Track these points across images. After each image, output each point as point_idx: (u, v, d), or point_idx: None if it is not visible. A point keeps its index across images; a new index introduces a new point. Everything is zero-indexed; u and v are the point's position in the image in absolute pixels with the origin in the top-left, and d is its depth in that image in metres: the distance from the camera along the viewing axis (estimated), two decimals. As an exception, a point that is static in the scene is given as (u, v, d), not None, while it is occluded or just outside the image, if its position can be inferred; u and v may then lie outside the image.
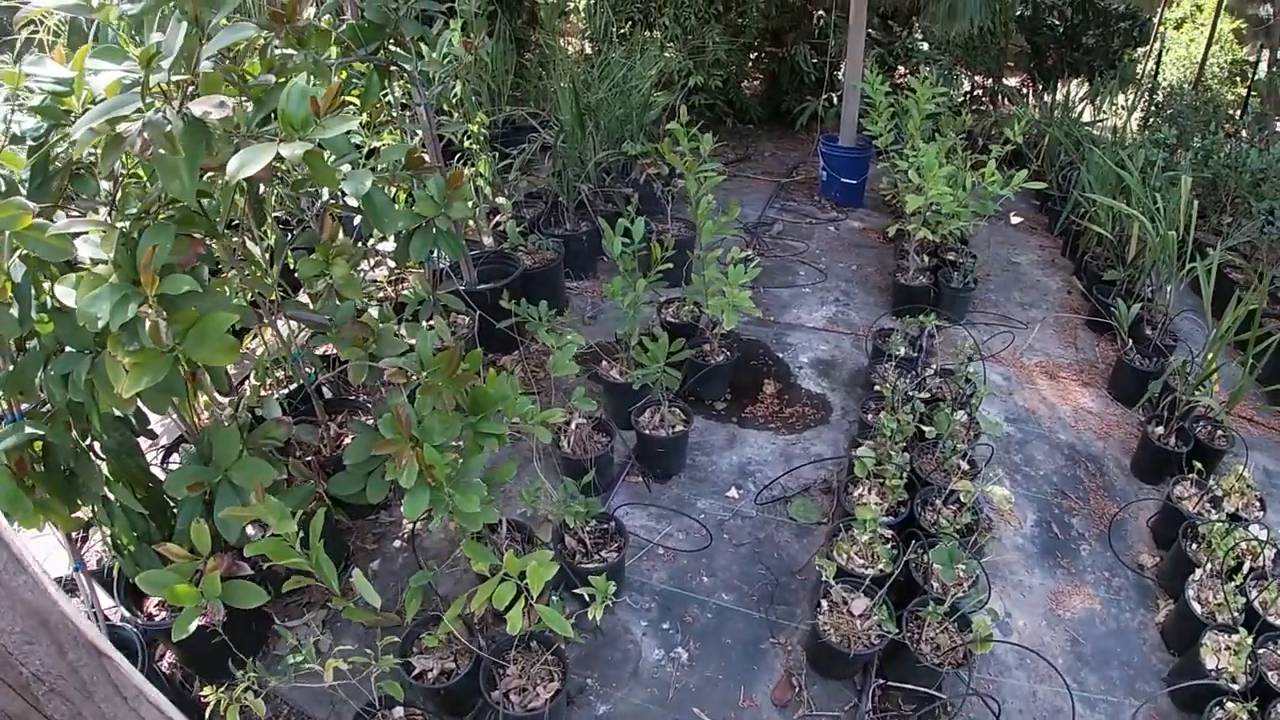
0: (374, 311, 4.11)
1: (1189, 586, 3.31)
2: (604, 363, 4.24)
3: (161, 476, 2.99)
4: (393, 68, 3.47)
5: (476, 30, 6.53)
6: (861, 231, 6.40)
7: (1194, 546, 3.51)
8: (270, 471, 2.75)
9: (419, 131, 4.14)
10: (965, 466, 3.77)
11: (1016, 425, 4.45)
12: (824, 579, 3.05)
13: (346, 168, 2.60)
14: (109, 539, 2.85)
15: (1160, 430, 4.17)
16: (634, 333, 3.95)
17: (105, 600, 3.01)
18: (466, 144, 4.99)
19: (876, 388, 4.06)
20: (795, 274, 5.76)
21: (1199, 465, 3.85)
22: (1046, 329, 5.27)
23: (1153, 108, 7.09)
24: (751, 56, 8.12)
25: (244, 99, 2.52)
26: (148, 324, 2.02)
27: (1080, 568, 3.74)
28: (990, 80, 8.09)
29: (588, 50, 7.14)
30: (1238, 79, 8.70)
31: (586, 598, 2.70)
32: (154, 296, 2.03)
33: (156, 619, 2.98)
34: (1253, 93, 7.51)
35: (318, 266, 3.18)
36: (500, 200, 4.98)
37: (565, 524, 3.25)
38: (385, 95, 4.33)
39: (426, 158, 4.05)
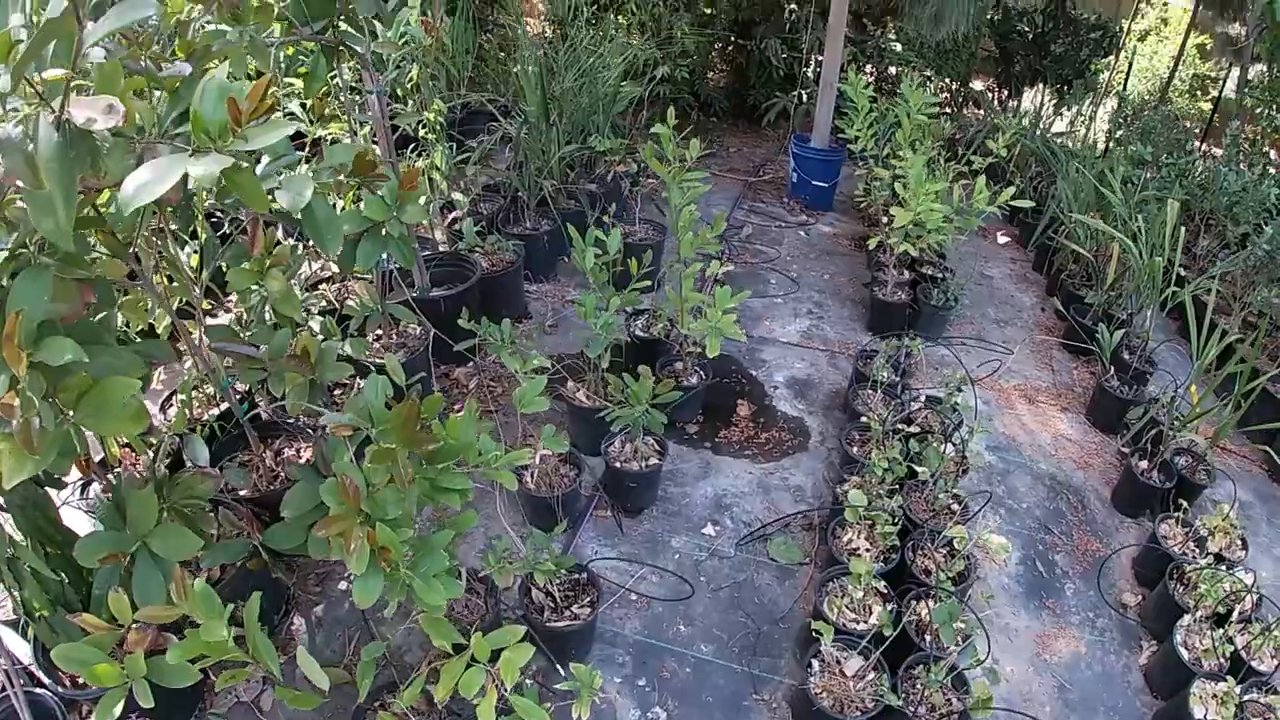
0: (315, 324, 3.68)
1: (1176, 632, 3.13)
2: (569, 383, 3.85)
3: (78, 530, 2.52)
4: (342, 49, 3.02)
5: (434, 9, 6.07)
6: (832, 237, 6.11)
7: (1180, 589, 3.35)
8: (194, 542, 2.32)
9: (368, 121, 3.67)
10: (955, 506, 3.50)
11: (998, 454, 4.21)
12: (818, 641, 2.74)
13: (284, 174, 2.15)
14: (20, 602, 2.40)
15: (1143, 465, 3.97)
16: (605, 356, 3.57)
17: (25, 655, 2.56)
18: (421, 133, 4.52)
19: (862, 418, 3.76)
20: (767, 282, 5.44)
21: (1184, 503, 3.68)
22: (1023, 349, 5.04)
23: (1120, 120, 6.92)
24: (717, 48, 7.74)
25: (155, 93, 2.06)
26: (14, 421, 1.57)
27: (1065, 608, 3.54)
28: (958, 85, 7.85)
29: (549, 35, 6.67)
30: (1198, 93, 8.63)
31: (558, 665, 2.34)
32: (24, 373, 1.57)
33: (80, 682, 2.53)
34: (1217, 109, 7.41)
35: (250, 278, 2.74)
36: (456, 196, 4.54)
37: (533, 577, 2.88)
38: (333, 79, 3.85)
39: (378, 151, 3.62)
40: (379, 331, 3.97)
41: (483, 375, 4.35)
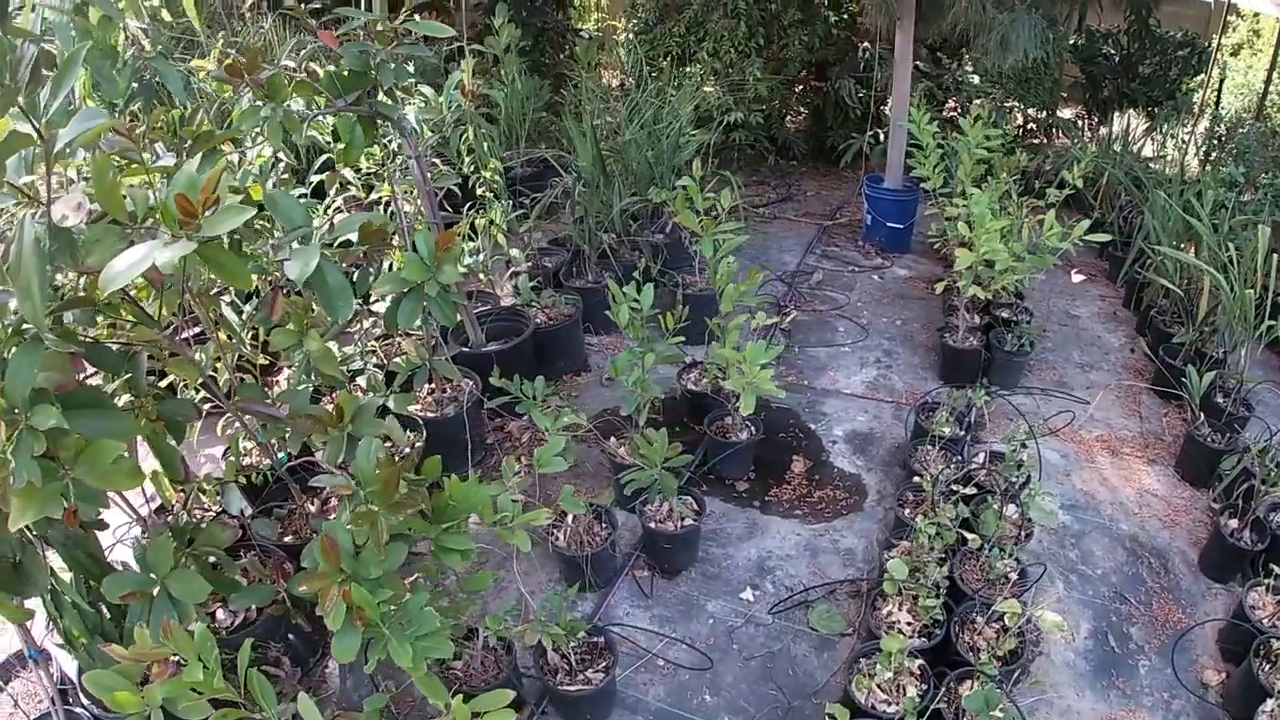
0: (362, 381, 3.68)
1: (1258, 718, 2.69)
2: (612, 439, 3.70)
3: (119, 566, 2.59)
4: (379, 118, 3.01)
5: (508, 67, 6.12)
6: (907, 281, 5.76)
7: (1266, 668, 2.89)
8: (204, 587, 2.32)
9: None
10: (1014, 575, 3.14)
11: (1074, 514, 3.80)
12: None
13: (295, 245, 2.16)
14: (62, 631, 2.50)
15: (1234, 524, 3.49)
16: (643, 411, 3.41)
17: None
18: (480, 191, 4.51)
19: (917, 479, 3.45)
20: (834, 330, 5.15)
21: (1276, 569, 3.18)
22: (1109, 394, 4.56)
23: (1215, 141, 6.27)
24: (795, 91, 7.51)
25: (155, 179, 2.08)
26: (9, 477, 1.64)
27: (1136, 688, 3.13)
28: (1044, 113, 7.33)
29: (626, 86, 6.62)
30: None
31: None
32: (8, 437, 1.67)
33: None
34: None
35: (291, 338, 2.77)
36: (514, 252, 4.49)
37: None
38: (386, 143, 3.87)
39: (424, 213, 3.60)
40: (431, 386, 3.94)
41: (536, 429, 4.26)
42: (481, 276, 4.58)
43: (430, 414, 3.82)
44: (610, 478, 3.77)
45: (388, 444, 3.47)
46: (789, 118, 7.71)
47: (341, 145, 2.98)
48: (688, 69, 6.42)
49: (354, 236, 2.42)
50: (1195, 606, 3.45)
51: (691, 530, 3.35)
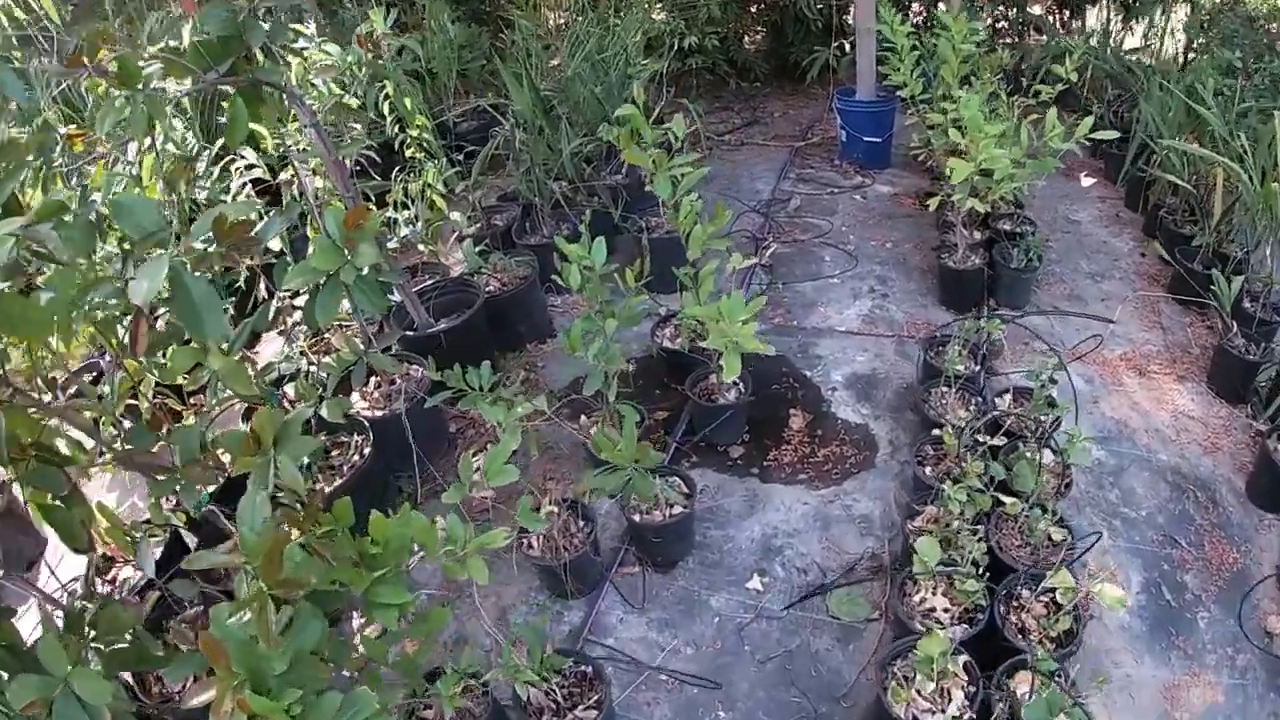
0: (291, 389, 3.08)
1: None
2: (582, 419, 3.14)
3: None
4: (262, 87, 2.38)
5: (435, 15, 5.37)
6: (892, 198, 5.15)
7: None
8: (105, 689, 1.76)
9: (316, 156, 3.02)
10: (1058, 536, 2.63)
11: (1108, 447, 3.29)
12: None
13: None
14: None
15: (1283, 446, 3.00)
16: (611, 385, 2.84)
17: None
18: (409, 152, 3.85)
19: (935, 431, 2.91)
20: (820, 260, 4.56)
21: None
22: (1127, 307, 4.02)
23: (1200, 27, 5.61)
24: (750, 9, 6.77)
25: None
26: None
27: (1198, 646, 2.67)
28: (1014, 10, 6.63)
29: (564, 24, 5.88)
30: None
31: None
32: None
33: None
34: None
35: (194, 356, 2.20)
36: (455, 216, 3.86)
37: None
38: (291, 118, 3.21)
39: (338, 187, 2.97)
40: (377, 380, 3.35)
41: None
42: (421, 247, 3.95)
43: (378, 411, 3.25)
44: (586, 462, 3.22)
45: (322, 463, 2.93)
46: (746, 38, 6.97)
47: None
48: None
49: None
50: (1250, 543, 2.99)
51: (683, 518, 2.82)
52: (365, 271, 2.23)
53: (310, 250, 2.21)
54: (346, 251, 2.20)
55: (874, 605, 2.77)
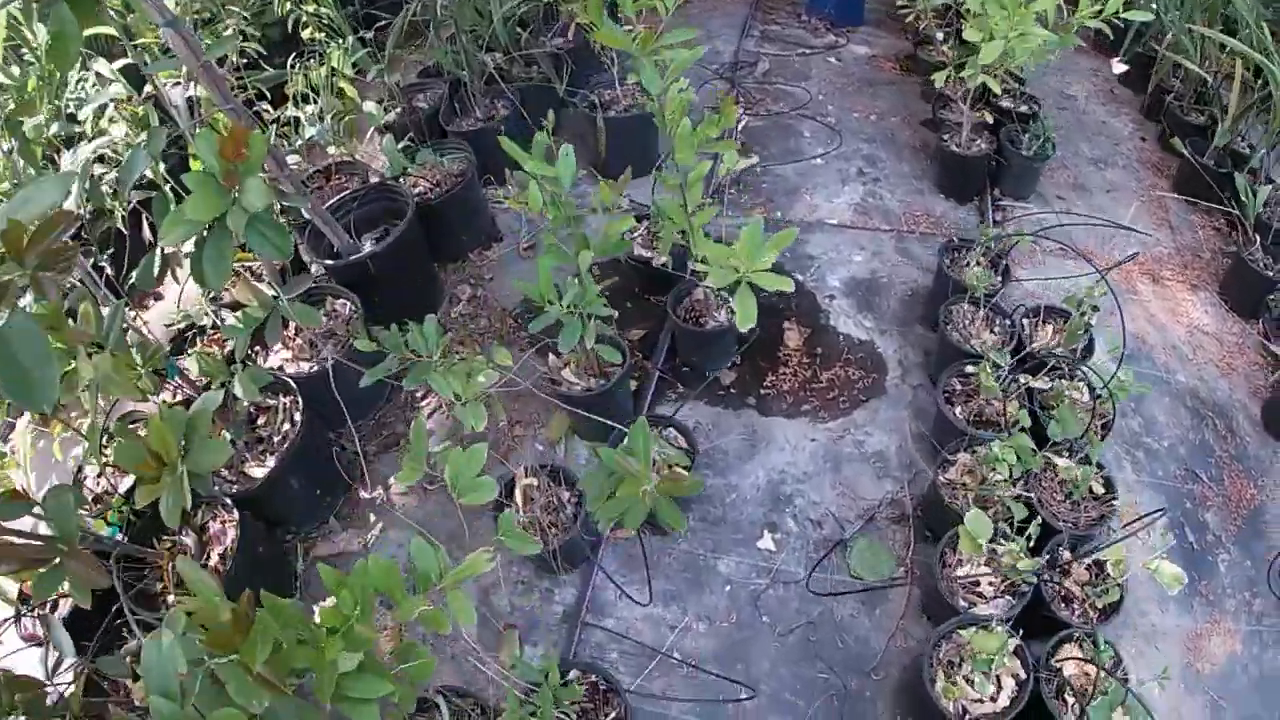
0: (190, 364, 2.49)
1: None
2: (550, 358, 2.69)
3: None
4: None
5: None
6: (871, 61, 4.63)
7: None
8: None
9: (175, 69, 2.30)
10: (1099, 487, 2.41)
11: (1128, 366, 3.05)
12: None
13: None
14: None
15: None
16: (590, 331, 2.37)
17: None
18: (306, 34, 3.11)
19: (968, 369, 2.60)
20: (799, 136, 4.07)
21: None
22: (1132, 199, 3.74)
23: None
24: None
25: None
26: None
27: (1219, 590, 2.58)
28: None
29: None
30: None
31: None
32: None
33: None
34: None
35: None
36: (369, 107, 3.17)
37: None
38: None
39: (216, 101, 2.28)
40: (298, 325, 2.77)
41: (450, 337, 3.18)
42: (332, 150, 3.27)
43: (304, 363, 2.70)
44: (559, 401, 2.79)
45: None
46: None
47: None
48: None
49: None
50: (1266, 475, 2.88)
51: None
52: (258, 209, 1.70)
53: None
54: (231, 190, 1.66)
55: (898, 559, 2.53)
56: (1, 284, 1.35)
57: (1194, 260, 3.52)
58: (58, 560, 1.64)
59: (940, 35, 4.20)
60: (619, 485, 1.80)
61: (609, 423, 2.46)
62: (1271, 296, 3.27)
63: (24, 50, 2.72)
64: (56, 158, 2.72)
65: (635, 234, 3.22)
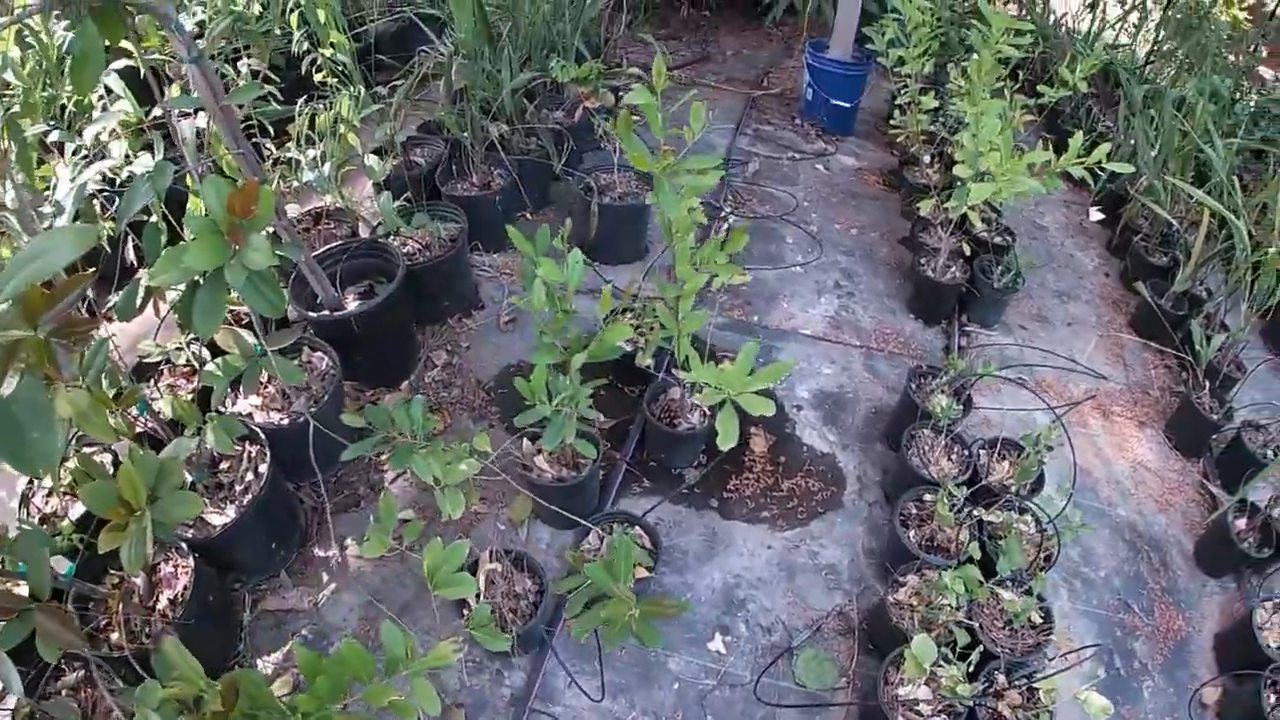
0: (166, 406, 2.56)
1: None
2: (525, 442, 2.82)
3: None
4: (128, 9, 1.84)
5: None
6: (857, 173, 4.93)
7: (1272, 699, 2.57)
8: None
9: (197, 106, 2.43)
10: (1037, 617, 2.59)
11: (1073, 499, 3.27)
12: None
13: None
14: None
15: (1242, 523, 3.12)
16: (571, 428, 2.51)
17: None
18: (318, 78, 3.27)
19: (926, 497, 2.79)
20: (781, 242, 4.31)
21: None
22: (1090, 334, 4.01)
23: (1176, 31, 5.55)
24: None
25: None
26: None
27: (1141, 717, 2.75)
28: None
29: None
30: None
31: None
32: None
33: None
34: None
35: None
36: (370, 161, 3.32)
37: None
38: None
39: (228, 143, 2.42)
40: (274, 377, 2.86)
41: (429, 392, 3.31)
42: (328, 198, 3.41)
43: (275, 413, 2.79)
44: (526, 481, 2.91)
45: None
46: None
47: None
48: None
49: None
50: (1194, 609, 3.09)
51: (646, 583, 2.58)
52: (260, 269, 1.81)
53: (185, 228, 1.75)
54: (234, 244, 1.76)
55: (841, 670, 2.67)
56: (9, 345, 1.38)
57: (1144, 397, 3.78)
58: (25, 611, 1.69)
59: (927, 157, 4.50)
60: (603, 605, 1.91)
61: (570, 515, 2.58)
62: (1215, 438, 3.54)
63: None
64: (49, 160, 2.75)
65: (626, 317, 3.39)
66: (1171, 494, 3.42)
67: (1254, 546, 3.05)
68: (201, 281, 1.85)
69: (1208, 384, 3.54)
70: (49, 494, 2.49)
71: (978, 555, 2.52)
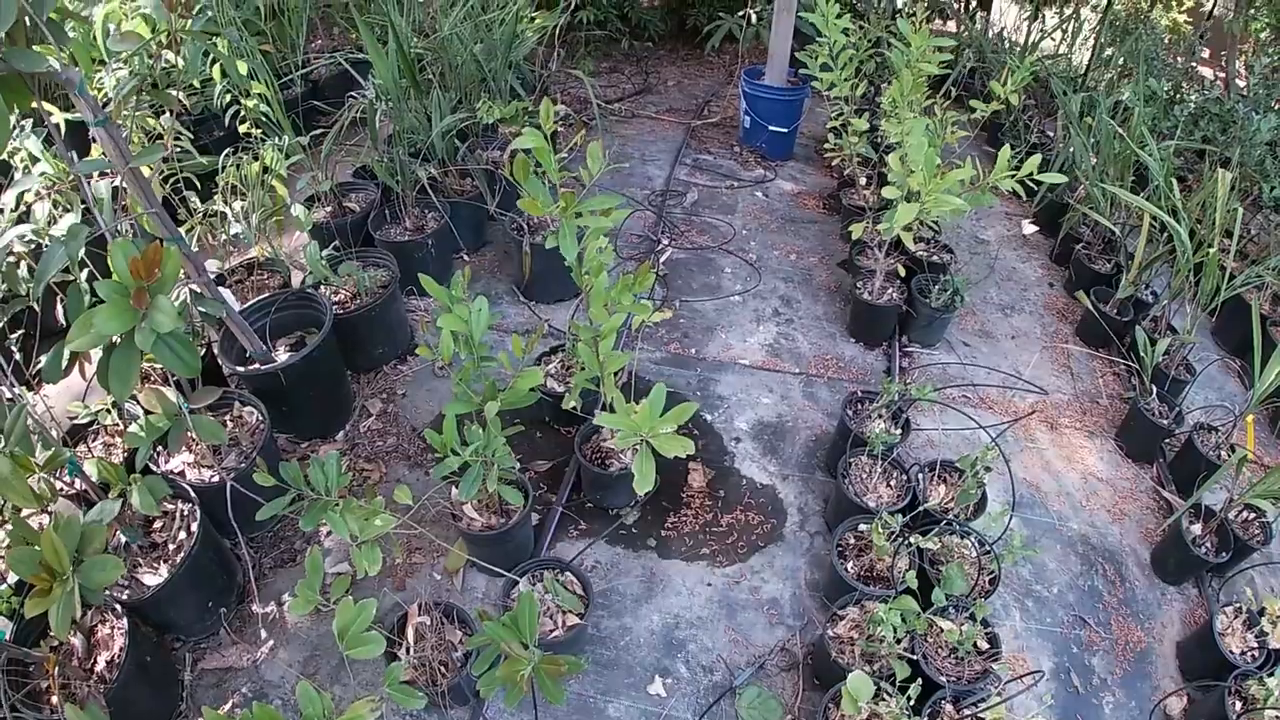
0: (91, 469, 2.48)
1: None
2: (454, 490, 2.74)
3: None
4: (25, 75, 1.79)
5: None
6: (795, 198, 4.92)
7: (1237, 706, 2.49)
8: None
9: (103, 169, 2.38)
10: (983, 644, 2.52)
11: (1021, 514, 3.25)
12: None
13: None
14: None
15: (1197, 529, 3.07)
16: (492, 478, 2.44)
17: None
18: (243, 129, 3.22)
19: (862, 526, 2.73)
20: (719, 272, 4.28)
21: (1250, 595, 2.87)
22: (1035, 346, 3.99)
23: (1112, 37, 5.62)
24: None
25: None
26: None
27: None
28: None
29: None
30: (1173, 3, 7.29)
31: None
32: None
33: None
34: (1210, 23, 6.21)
35: None
36: (296, 210, 3.26)
37: None
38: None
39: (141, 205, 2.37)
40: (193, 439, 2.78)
41: (356, 454, 3.22)
42: (254, 251, 3.35)
43: (206, 469, 2.71)
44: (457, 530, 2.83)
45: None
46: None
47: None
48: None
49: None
50: (1153, 619, 3.03)
51: (575, 632, 2.49)
52: (166, 331, 1.78)
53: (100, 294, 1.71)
54: (141, 307, 1.74)
55: (786, 708, 2.58)
56: None
57: (1092, 406, 3.75)
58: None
59: (863, 179, 4.49)
60: (503, 663, 1.84)
61: (493, 568, 2.50)
62: (1166, 443, 3.51)
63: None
64: None
65: (549, 366, 3.33)
66: (1125, 503, 3.38)
67: (1212, 551, 3.00)
68: (114, 347, 1.83)
69: (1155, 389, 3.51)
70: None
71: (915, 584, 2.46)
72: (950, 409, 3.51)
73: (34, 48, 1.83)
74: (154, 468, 2.69)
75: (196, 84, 3.23)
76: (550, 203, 2.24)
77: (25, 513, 2.46)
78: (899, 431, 3.07)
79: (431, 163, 3.89)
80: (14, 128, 2.65)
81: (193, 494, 2.59)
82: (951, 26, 6.84)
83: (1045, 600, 2.99)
